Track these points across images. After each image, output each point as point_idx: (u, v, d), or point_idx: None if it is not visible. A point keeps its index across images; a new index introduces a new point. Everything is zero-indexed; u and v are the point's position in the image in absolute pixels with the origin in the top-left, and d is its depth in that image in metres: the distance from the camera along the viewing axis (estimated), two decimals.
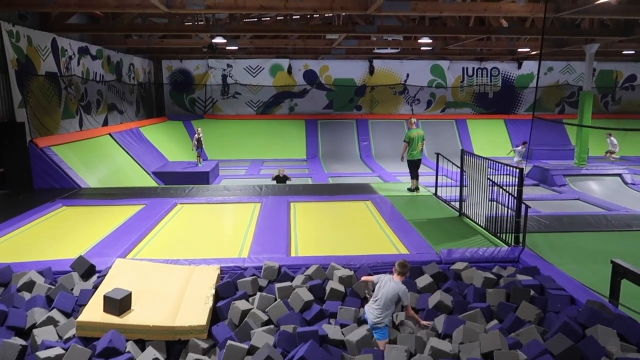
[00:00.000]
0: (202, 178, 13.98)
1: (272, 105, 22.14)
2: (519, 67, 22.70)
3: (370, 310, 4.77)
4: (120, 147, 14.25)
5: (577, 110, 19.09)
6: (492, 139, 21.31)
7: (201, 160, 15.43)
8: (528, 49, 16.96)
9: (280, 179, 12.65)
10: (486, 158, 7.75)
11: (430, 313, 5.08)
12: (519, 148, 15.90)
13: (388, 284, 4.79)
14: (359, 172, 16.67)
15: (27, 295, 5.32)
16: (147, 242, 7.29)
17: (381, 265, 6.08)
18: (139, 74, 19.38)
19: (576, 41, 15.42)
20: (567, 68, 22.88)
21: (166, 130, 19.26)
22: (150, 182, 13.59)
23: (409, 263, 5.01)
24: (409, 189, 10.47)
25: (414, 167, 10.51)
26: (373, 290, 4.92)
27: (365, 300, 5.20)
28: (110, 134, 14.38)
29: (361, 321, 5.03)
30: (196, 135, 15.60)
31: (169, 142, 18.40)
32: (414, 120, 10.58)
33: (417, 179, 10.53)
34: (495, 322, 4.89)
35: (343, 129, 21.45)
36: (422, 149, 10.37)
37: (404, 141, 10.40)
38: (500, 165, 7.30)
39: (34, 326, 4.88)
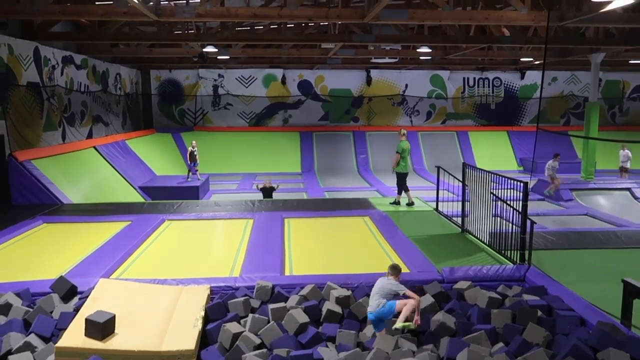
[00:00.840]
0: (192, 193, 13.94)
1: (265, 116, 22.22)
2: (522, 77, 22.94)
3: (372, 308, 5.12)
4: (105, 161, 14.21)
5: (583, 121, 19.25)
6: (495, 151, 21.42)
7: (191, 174, 15.39)
8: (531, 59, 17.16)
9: (267, 190, 12.61)
10: (489, 171, 7.78)
11: (431, 335, 5.03)
12: (551, 162, 14.38)
13: (381, 282, 5.27)
14: (357, 186, 16.68)
15: (2, 319, 5.24)
16: (132, 261, 7.23)
17: None
18: (126, 84, 19.43)
19: (581, 50, 15.61)
20: (572, 78, 23.14)
21: (154, 143, 19.25)
22: (136, 197, 13.53)
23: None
24: (392, 203, 10.66)
25: (402, 180, 10.72)
26: None
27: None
28: (94, 147, 14.35)
29: (359, 343, 4.98)
30: (190, 148, 15.60)
31: (156, 156, 18.37)
32: (404, 131, 10.84)
33: (408, 192, 10.72)
34: (501, 345, 4.85)
35: (339, 142, 21.52)
36: (410, 162, 10.60)
37: (397, 152, 10.60)
38: (504, 179, 7.33)
39: (9, 352, 4.79)
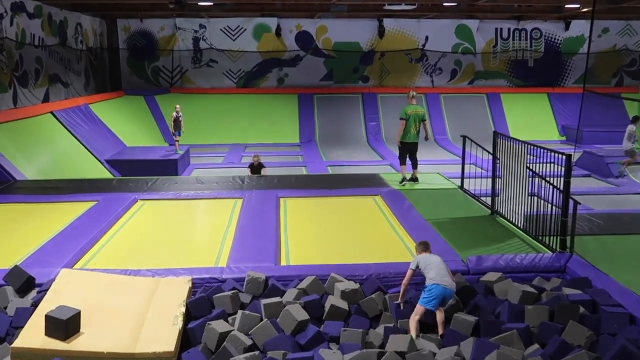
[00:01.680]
0: (169, 168, 13.95)
1: (256, 76, 22.06)
2: (567, 28, 22.66)
3: (445, 279, 5.44)
4: (65, 129, 14.18)
5: (638, 82, 19.10)
6: (532, 117, 21.30)
7: (178, 146, 15.38)
8: (577, 5, 16.93)
9: (255, 168, 12.63)
10: (525, 142, 7.75)
11: (455, 336, 5.09)
12: (631, 128, 13.65)
13: (431, 257, 5.67)
14: (366, 159, 16.67)
15: None
16: (99, 248, 7.26)
17: (393, 276, 6.10)
18: (89, 37, 19.26)
19: None
20: (626, 29, 22.84)
21: (123, 107, 19.18)
22: (103, 172, 13.55)
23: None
24: (401, 182, 10.55)
25: (404, 151, 10.67)
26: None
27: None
28: (52, 113, 14.30)
29: (368, 344, 5.04)
30: (174, 114, 15.53)
31: (126, 123, 18.33)
32: (413, 93, 10.72)
33: (415, 167, 10.69)
34: (536, 346, 4.90)
35: (346, 106, 21.41)
36: (418, 131, 10.49)
37: (400, 118, 10.55)
38: (542, 151, 7.29)
39: None
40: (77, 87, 17.82)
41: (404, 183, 10.47)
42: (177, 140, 15.45)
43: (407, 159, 10.70)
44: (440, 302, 5.39)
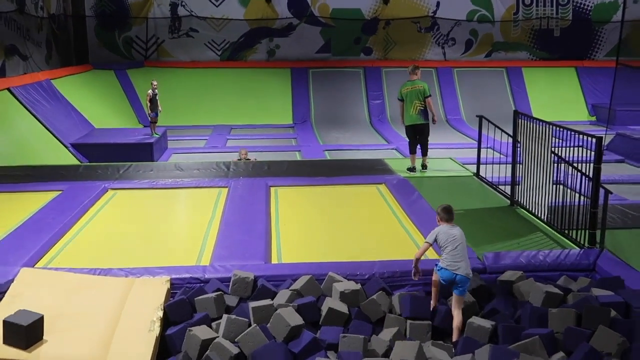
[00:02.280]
0: (144, 152, 13.91)
1: (243, 47, 21.98)
2: None
3: (455, 262, 5.49)
4: (24, 109, 14.09)
5: None
6: (558, 95, 21.32)
7: (154, 130, 15.30)
8: None
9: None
10: (550, 123, 7.74)
11: (469, 342, 5.11)
12: None
13: (452, 230, 5.67)
14: (369, 143, 16.65)
15: None
16: (65, 244, 7.26)
17: (400, 276, 6.13)
18: (50, 3, 19.11)
19: None
20: None
21: (91, 84, 19.08)
22: (68, 158, 13.50)
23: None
24: (408, 169, 10.59)
25: (409, 136, 10.71)
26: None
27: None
28: (9, 89, 14.20)
29: (370, 352, 5.07)
30: (150, 92, 15.48)
31: (94, 102, 18.25)
32: (412, 67, 10.68)
33: (423, 154, 10.67)
34: (561, 354, 4.93)
35: (345, 82, 21.37)
36: (421, 110, 10.40)
37: (398, 99, 10.66)
38: (569, 133, 7.29)
39: None
40: (38, 60, 17.69)
41: (411, 173, 10.44)
42: (154, 122, 15.40)
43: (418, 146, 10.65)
44: (449, 285, 5.57)
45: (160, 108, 15.30)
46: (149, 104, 15.21)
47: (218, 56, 22.01)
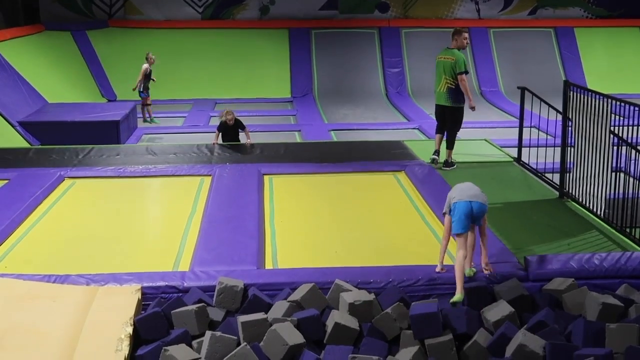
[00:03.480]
0: (108, 132, 13.88)
1: (229, 2, 21.91)
2: None
3: (468, 192, 6.23)
4: None
5: None
6: (618, 62, 21.23)
7: (151, 113, 15.53)
8: None
9: (228, 129, 11.96)
10: (608, 96, 7.71)
11: None
12: None
13: (459, 185, 6.41)
14: (384, 121, 16.61)
15: None
16: (12, 245, 7.25)
17: (422, 285, 6.14)
18: None
19: None
20: None
21: (43, 48, 19.04)
22: (15, 139, 13.50)
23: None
24: (432, 159, 10.18)
25: (438, 117, 10.47)
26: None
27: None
28: None
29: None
30: (145, 66, 15.49)
31: (47, 70, 18.21)
32: (453, 30, 10.21)
33: (448, 146, 10.25)
34: None
35: (356, 46, 21.29)
36: (447, 89, 9.97)
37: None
38: (633, 108, 7.25)
39: None
40: None
41: (433, 157, 10.18)
42: (148, 104, 15.51)
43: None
44: (471, 219, 6.11)
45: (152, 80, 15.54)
46: (141, 81, 15.31)
47: (199, 14, 21.92)
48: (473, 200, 6.13)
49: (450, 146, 10.27)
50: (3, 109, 14.18)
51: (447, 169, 10.05)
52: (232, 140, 11.97)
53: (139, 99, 16.28)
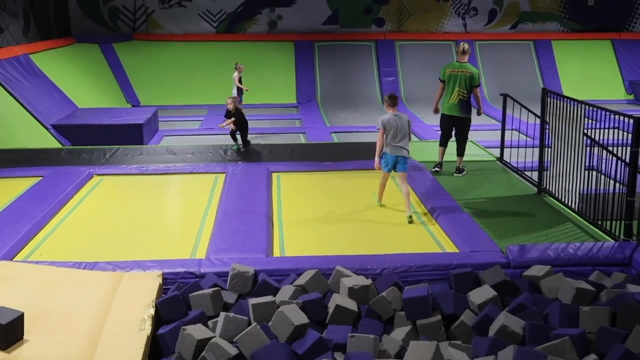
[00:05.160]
0: (132, 135, 13.89)
1: (241, 18, 21.89)
2: None
3: (400, 146, 7.87)
4: None
5: None
6: (592, 71, 21.16)
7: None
8: None
9: (237, 116, 11.19)
10: (582, 102, 7.71)
11: (492, 343, 5.13)
12: None
13: (398, 120, 7.86)
14: None
15: None
16: (46, 235, 7.31)
17: (414, 271, 6.17)
18: None
19: None
20: None
21: (73, 59, 19.04)
22: (49, 140, 13.51)
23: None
24: (436, 168, 9.84)
25: (442, 126, 10.02)
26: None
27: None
28: None
29: (382, 352, 5.09)
30: (236, 74, 15.50)
31: (78, 78, 18.22)
32: (463, 47, 9.80)
33: (458, 153, 9.88)
34: (593, 357, 4.93)
35: (355, 57, 21.27)
36: (460, 100, 9.66)
37: (439, 79, 9.95)
38: (604, 113, 7.26)
39: None
40: (14, 32, 17.68)
41: (436, 169, 9.81)
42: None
43: (449, 139, 9.94)
44: (393, 165, 7.93)
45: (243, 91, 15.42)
46: (237, 88, 15.28)
47: (214, 28, 21.90)
48: (394, 155, 7.88)
49: (462, 153, 9.89)
50: (38, 113, 14.21)
51: (459, 174, 9.73)
52: (242, 126, 11.41)
53: (160, 104, 16.22)
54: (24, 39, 18.25)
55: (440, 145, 10.06)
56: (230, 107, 11.20)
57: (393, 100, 7.99)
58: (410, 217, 7.78)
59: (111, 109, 16.31)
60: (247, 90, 15.70)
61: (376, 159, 8.05)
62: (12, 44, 17.08)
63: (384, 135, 7.87)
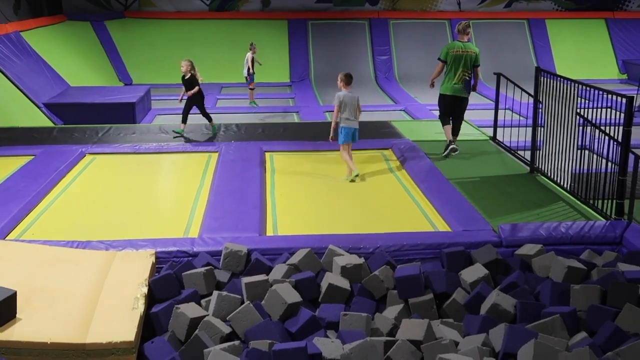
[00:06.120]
0: (125, 113, 13.84)
1: None
2: None
3: (351, 120, 8.53)
4: None
5: None
6: (585, 50, 21.16)
7: (252, 97, 15.50)
8: None
9: (185, 82, 10.78)
10: (575, 81, 7.71)
11: (483, 322, 5.16)
12: None
13: (351, 95, 8.57)
14: (374, 104, 16.52)
15: None
16: (39, 214, 7.30)
17: (407, 250, 6.19)
18: None
19: None
20: None
21: (65, 36, 18.91)
22: (41, 119, 13.46)
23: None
24: (453, 149, 9.58)
25: (442, 107, 9.89)
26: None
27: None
28: None
29: (374, 331, 5.12)
30: (249, 54, 15.44)
31: (70, 57, 18.10)
32: (463, 25, 9.75)
33: (455, 133, 9.80)
34: (583, 335, 4.97)
35: (348, 36, 21.19)
36: (464, 80, 9.58)
37: (439, 59, 9.84)
38: (597, 92, 7.25)
39: None
40: (5, 9, 17.50)
41: (446, 152, 9.56)
42: (252, 88, 15.45)
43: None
44: (351, 137, 8.54)
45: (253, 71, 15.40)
46: (250, 67, 15.28)
47: (206, 5, 21.73)
48: (351, 127, 8.48)
49: (457, 133, 9.89)
50: (30, 92, 14.14)
51: (455, 154, 9.56)
52: (202, 98, 11.08)
53: (152, 82, 16.15)
54: (15, 17, 18.07)
55: (445, 124, 9.81)
56: (183, 69, 10.67)
57: (349, 79, 8.65)
58: (357, 174, 8.51)
59: (103, 88, 16.23)
60: (260, 64, 15.85)
61: (332, 133, 8.62)
62: (3, 22, 16.92)
63: (340, 111, 8.51)
